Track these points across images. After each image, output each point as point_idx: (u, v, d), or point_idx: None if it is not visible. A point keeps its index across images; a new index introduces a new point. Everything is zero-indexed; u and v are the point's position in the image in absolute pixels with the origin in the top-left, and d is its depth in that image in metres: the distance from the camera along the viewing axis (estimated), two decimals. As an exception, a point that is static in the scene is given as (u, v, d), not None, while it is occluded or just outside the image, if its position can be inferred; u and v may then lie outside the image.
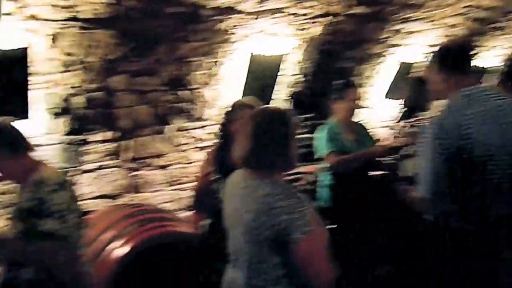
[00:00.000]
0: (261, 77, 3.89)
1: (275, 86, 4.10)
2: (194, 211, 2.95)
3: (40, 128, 3.04)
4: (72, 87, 3.11)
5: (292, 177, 3.57)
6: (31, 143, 1.96)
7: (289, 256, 1.52)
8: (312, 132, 4.36)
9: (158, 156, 3.73)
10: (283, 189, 1.59)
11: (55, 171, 1.98)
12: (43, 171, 1.89)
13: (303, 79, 4.41)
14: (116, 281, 2.58)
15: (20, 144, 1.90)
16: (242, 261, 1.64)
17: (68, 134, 3.20)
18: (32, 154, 1.96)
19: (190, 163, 3.90)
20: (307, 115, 4.43)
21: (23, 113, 2.80)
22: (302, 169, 3.55)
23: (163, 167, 3.80)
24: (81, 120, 3.22)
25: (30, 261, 1.85)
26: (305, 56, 4.26)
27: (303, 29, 3.98)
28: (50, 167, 1.97)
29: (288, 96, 4.39)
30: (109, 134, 3.40)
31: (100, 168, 3.44)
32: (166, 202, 3.87)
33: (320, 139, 3.02)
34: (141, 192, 3.71)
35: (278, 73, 4.05)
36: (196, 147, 3.92)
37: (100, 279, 2.51)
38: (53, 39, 2.85)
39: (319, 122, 3.53)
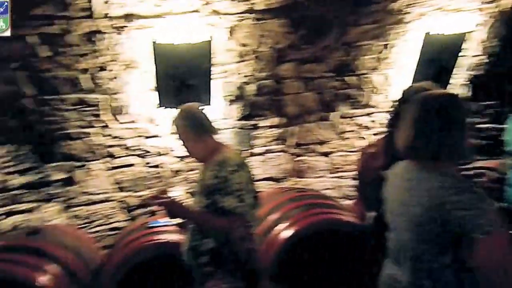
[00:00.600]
0: (436, 59, 3.52)
1: (453, 69, 3.67)
2: (356, 201, 2.87)
3: (218, 113, 3.35)
4: (245, 76, 3.33)
5: (471, 172, 3.17)
6: (215, 127, 2.15)
7: (463, 256, 1.35)
8: (495, 121, 3.84)
9: (322, 142, 3.76)
10: (455, 182, 1.41)
11: (236, 152, 2.14)
12: (225, 152, 2.06)
13: (487, 61, 3.86)
14: (279, 261, 2.70)
15: (207, 127, 2.11)
16: (407, 259, 1.54)
17: (241, 119, 3.46)
18: (216, 137, 2.15)
19: (353, 151, 3.82)
20: (490, 102, 3.89)
21: (206, 100, 3.11)
22: (484, 163, 3.12)
23: (325, 154, 3.81)
24: (252, 107, 3.44)
25: (211, 233, 2.04)
26: (491, 33, 3.70)
27: (491, 2, 3.45)
28: (232, 149, 2.15)
29: (468, 81, 3.89)
30: (276, 120, 3.56)
31: (267, 152, 3.64)
32: (327, 189, 3.88)
33: (511, 131, 2.60)
34: (304, 177, 3.80)
35: (457, 54, 3.61)
36: (360, 135, 3.81)
37: (265, 258, 2.66)
38: (230, 31, 3.08)
39: (505, 110, 3.05)
